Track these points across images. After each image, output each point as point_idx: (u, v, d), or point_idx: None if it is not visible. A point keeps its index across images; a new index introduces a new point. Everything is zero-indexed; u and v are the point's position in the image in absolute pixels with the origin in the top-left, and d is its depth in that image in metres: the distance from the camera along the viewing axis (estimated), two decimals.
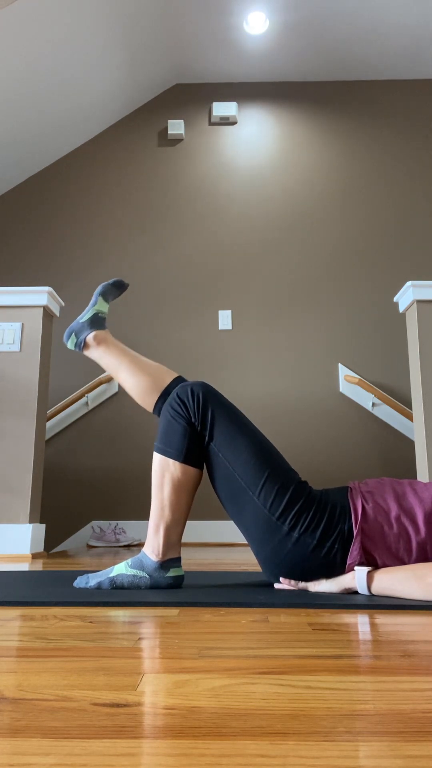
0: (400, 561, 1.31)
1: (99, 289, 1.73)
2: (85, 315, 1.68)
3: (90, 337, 1.65)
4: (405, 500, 1.34)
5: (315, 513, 1.35)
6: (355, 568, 1.29)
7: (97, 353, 1.64)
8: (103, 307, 1.70)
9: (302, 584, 1.37)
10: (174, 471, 1.41)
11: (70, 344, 1.68)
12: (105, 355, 1.62)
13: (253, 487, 1.38)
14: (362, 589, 1.27)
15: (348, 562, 1.33)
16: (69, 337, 1.68)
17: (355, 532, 1.31)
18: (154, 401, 1.55)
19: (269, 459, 1.40)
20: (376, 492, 1.37)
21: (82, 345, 1.66)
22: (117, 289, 1.74)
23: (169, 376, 1.57)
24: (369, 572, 1.27)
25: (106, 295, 1.72)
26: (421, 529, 1.30)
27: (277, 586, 1.41)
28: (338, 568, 1.35)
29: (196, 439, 1.43)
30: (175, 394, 1.45)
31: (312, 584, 1.36)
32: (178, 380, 1.57)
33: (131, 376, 1.57)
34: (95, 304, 1.69)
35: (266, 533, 1.37)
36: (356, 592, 1.31)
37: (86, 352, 1.66)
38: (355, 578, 1.28)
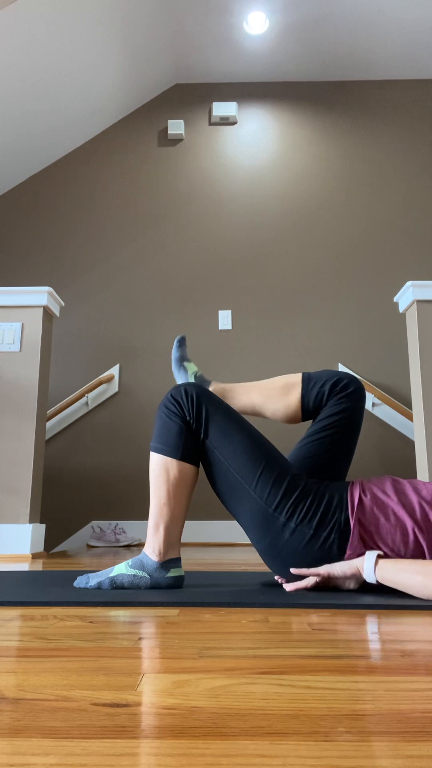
0: (396, 553, 1.32)
1: (176, 356, 1.72)
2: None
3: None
4: (404, 495, 1.35)
5: (311, 503, 1.36)
6: (367, 552, 1.28)
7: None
8: (194, 366, 1.73)
9: (314, 570, 1.34)
10: (171, 469, 1.43)
11: None
12: (231, 404, 1.63)
13: (249, 480, 1.39)
14: (369, 574, 1.25)
15: (348, 552, 1.33)
16: None
17: (351, 523, 1.32)
18: (299, 414, 1.57)
19: (264, 452, 1.42)
20: (376, 486, 1.38)
21: None
22: (184, 346, 1.76)
23: (296, 378, 1.59)
24: (378, 557, 1.25)
25: (185, 357, 1.73)
26: (420, 523, 1.30)
27: (288, 588, 1.37)
28: (335, 559, 1.35)
29: (192, 437, 1.44)
30: (169, 395, 1.47)
31: (324, 568, 1.33)
32: (306, 378, 1.58)
33: (266, 406, 1.60)
34: (187, 370, 1.70)
35: (263, 525, 1.38)
36: (363, 582, 1.31)
37: None
38: (365, 561, 1.26)
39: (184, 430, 1.44)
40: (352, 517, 1.33)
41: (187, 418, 1.44)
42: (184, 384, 1.48)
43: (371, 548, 1.33)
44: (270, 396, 1.59)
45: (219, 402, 1.48)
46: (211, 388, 1.65)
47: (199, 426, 1.44)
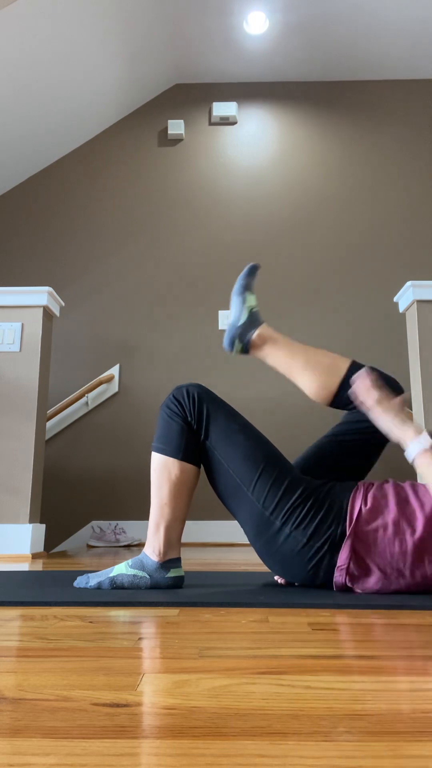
0: (394, 567, 1.30)
1: (241, 283, 1.57)
2: (241, 317, 1.55)
3: (255, 336, 1.54)
4: (407, 505, 1.33)
5: (309, 509, 1.34)
6: (423, 434, 1.25)
7: (263, 353, 1.55)
8: (253, 300, 1.58)
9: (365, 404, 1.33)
10: (172, 469, 1.43)
11: (234, 352, 1.58)
12: (271, 354, 1.54)
13: (247, 482, 1.39)
14: (409, 456, 1.25)
15: (338, 564, 1.32)
16: (232, 344, 1.56)
17: (348, 534, 1.31)
18: (330, 400, 1.50)
19: (264, 454, 1.41)
20: (380, 494, 1.36)
21: (248, 347, 1.56)
22: (254, 276, 1.61)
23: (344, 364, 1.49)
24: (428, 449, 1.22)
25: (250, 286, 1.58)
26: (418, 533, 1.28)
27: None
28: (323, 572, 1.35)
29: (193, 437, 1.44)
30: (171, 396, 1.47)
31: (377, 411, 1.31)
32: (354, 366, 1.50)
33: (303, 373, 1.50)
34: (245, 301, 1.56)
35: (260, 527, 1.38)
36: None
37: (252, 353, 1.56)
38: (412, 444, 1.25)
39: (186, 430, 1.44)
40: (349, 528, 1.31)
41: (189, 418, 1.44)
42: (187, 384, 1.48)
43: (365, 562, 1.31)
44: (311, 368, 1.49)
45: (221, 403, 1.48)
46: (260, 330, 1.55)
47: (200, 426, 1.44)
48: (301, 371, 1.51)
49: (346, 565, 1.31)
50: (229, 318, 1.56)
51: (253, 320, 1.55)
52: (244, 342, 1.55)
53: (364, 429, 1.49)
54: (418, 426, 1.29)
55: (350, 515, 1.32)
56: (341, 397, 1.50)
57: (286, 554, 1.36)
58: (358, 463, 1.51)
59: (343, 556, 1.31)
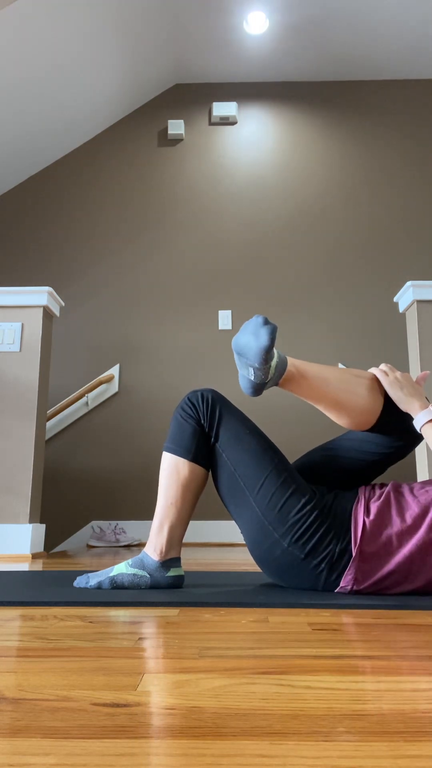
0: (398, 577, 1.30)
1: (265, 356, 1.35)
2: (268, 375, 1.39)
3: (281, 381, 1.43)
4: (408, 510, 1.32)
5: (309, 526, 1.33)
6: (430, 405, 1.38)
7: (290, 389, 1.46)
8: (276, 356, 1.43)
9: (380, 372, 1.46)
10: (182, 469, 1.44)
11: (256, 395, 1.44)
12: (297, 391, 1.45)
13: (251, 487, 1.39)
14: (417, 425, 1.38)
15: (341, 584, 1.32)
16: (259, 392, 1.43)
17: (353, 553, 1.30)
18: (371, 424, 1.43)
19: (272, 461, 1.40)
20: (382, 503, 1.34)
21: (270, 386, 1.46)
22: (274, 340, 1.41)
23: (378, 401, 1.42)
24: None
25: (273, 351, 1.40)
26: (421, 540, 1.27)
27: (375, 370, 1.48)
28: (321, 586, 1.35)
29: (204, 440, 1.46)
30: (186, 398, 1.49)
31: (386, 385, 1.43)
32: (388, 408, 1.44)
33: (332, 411, 1.44)
34: (271, 366, 1.39)
35: (259, 535, 1.38)
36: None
37: (281, 387, 1.47)
38: (419, 417, 1.38)
39: (198, 432, 1.45)
40: (355, 548, 1.30)
41: (202, 421, 1.46)
42: (202, 389, 1.50)
43: (368, 579, 1.31)
44: (341, 407, 1.42)
45: (234, 408, 1.49)
46: (286, 373, 1.42)
47: (212, 429, 1.46)
48: (330, 408, 1.44)
49: (350, 587, 1.31)
50: (248, 375, 1.41)
51: (279, 369, 1.41)
52: (266, 388, 1.43)
53: (385, 453, 1.47)
54: (426, 401, 1.42)
55: (354, 535, 1.31)
56: (375, 428, 1.46)
57: (282, 565, 1.36)
58: (370, 474, 1.51)
59: (347, 578, 1.31)
